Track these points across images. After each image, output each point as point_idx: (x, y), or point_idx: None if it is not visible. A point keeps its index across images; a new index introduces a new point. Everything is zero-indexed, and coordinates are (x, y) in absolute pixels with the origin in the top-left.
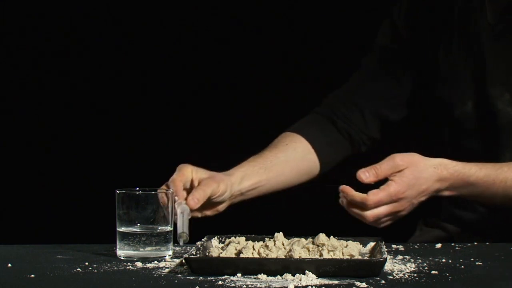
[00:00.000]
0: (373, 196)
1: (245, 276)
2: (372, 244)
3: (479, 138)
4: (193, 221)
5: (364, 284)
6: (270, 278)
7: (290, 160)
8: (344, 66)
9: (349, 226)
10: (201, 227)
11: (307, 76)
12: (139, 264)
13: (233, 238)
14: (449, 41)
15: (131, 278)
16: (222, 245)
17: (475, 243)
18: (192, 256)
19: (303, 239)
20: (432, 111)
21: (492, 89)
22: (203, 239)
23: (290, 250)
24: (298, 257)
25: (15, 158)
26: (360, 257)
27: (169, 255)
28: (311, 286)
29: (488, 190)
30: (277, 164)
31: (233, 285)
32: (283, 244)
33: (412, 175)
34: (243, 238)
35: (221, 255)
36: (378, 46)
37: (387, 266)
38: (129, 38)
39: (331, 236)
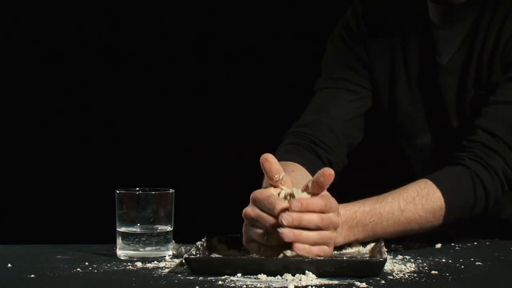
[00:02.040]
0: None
1: (245, 276)
2: (372, 244)
3: (438, 166)
4: (193, 221)
5: (364, 284)
6: (270, 278)
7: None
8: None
9: None
10: (201, 227)
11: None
12: (139, 264)
13: None
14: (404, 76)
15: (131, 278)
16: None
17: (475, 243)
18: (192, 256)
19: None
20: (393, 135)
21: (450, 120)
22: (203, 239)
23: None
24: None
25: (15, 158)
26: (360, 257)
27: (169, 255)
28: (311, 286)
29: (378, 225)
30: None
31: (233, 285)
32: None
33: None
34: None
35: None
36: (333, 67)
37: (387, 266)
38: (129, 39)
39: None
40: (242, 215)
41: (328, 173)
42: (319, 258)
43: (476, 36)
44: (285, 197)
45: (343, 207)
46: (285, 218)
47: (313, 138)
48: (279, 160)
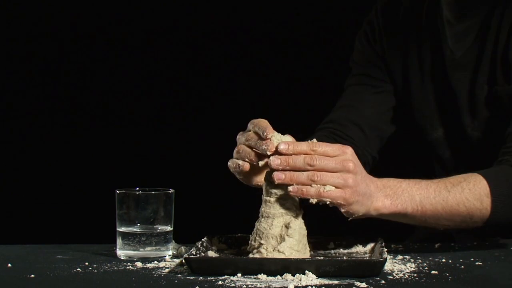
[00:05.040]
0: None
1: (245, 276)
2: (372, 244)
3: (452, 164)
4: (193, 221)
5: (364, 284)
6: (270, 278)
7: None
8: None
9: (349, 226)
10: (201, 227)
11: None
12: (139, 264)
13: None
14: (418, 72)
15: (131, 278)
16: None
17: (475, 243)
18: (192, 256)
19: None
20: (409, 131)
21: (462, 116)
22: (203, 239)
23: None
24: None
25: (15, 159)
26: (360, 257)
27: (169, 255)
28: (311, 286)
29: (426, 199)
30: None
31: (233, 285)
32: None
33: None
34: None
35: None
36: (359, 64)
37: (387, 266)
38: (132, 39)
39: None
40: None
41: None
42: (319, 258)
43: (488, 31)
44: None
45: (384, 178)
46: (273, 159)
47: (337, 131)
48: None
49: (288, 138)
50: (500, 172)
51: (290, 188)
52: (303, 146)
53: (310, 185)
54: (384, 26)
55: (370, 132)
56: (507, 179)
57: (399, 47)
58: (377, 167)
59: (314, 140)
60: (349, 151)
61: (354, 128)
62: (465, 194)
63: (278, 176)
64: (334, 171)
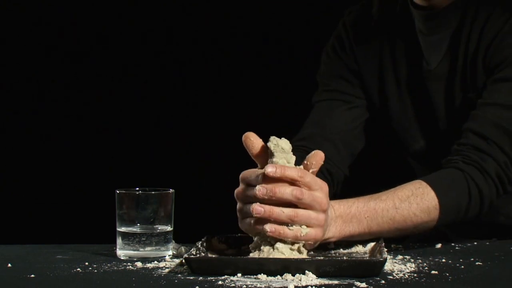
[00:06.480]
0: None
1: (245, 276)
2: (372, 244)
3: (434, 171)
4: (193, 221)
5: (364, 284)
6: (270, 278)
7: None
8: None
9: None
10: (201, 227)
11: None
12: (139, 264)
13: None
14: (394, 85)
15: (131, 278)
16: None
17: (475, 243)
18: (192, 256)
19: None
20: (390, 143)
21: (442, 127)
22: (203, 239)
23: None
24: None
25: (15, 159)
26: (360, 257)
27: (169, 255)
28: (311, 286)
29: (373, 221)
30: None
31: (233, 285)
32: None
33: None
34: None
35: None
36: (328, 79)
37: (387, 266)
38: (130, 39)
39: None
40: (234, 196)
41: (320, 156)
42: (319, 258)
43: (459, 41)
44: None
45: (337, 202)
46: (258, 189)
47: (311, 150)
48: None
49: (285, 142)
50: (447, 179)
51: (267, 228)
52: (293, 172)
53: (288, 225)
54: (356, 40)
55: (343, 149)
56: (454, 188)
57: (373, 60)
58: (363, 176)
59: (302, 166)
60: (325, 187)
61: (328, 145)
62: (413, 209)
63: (257, 210)
64: (312, 208)
